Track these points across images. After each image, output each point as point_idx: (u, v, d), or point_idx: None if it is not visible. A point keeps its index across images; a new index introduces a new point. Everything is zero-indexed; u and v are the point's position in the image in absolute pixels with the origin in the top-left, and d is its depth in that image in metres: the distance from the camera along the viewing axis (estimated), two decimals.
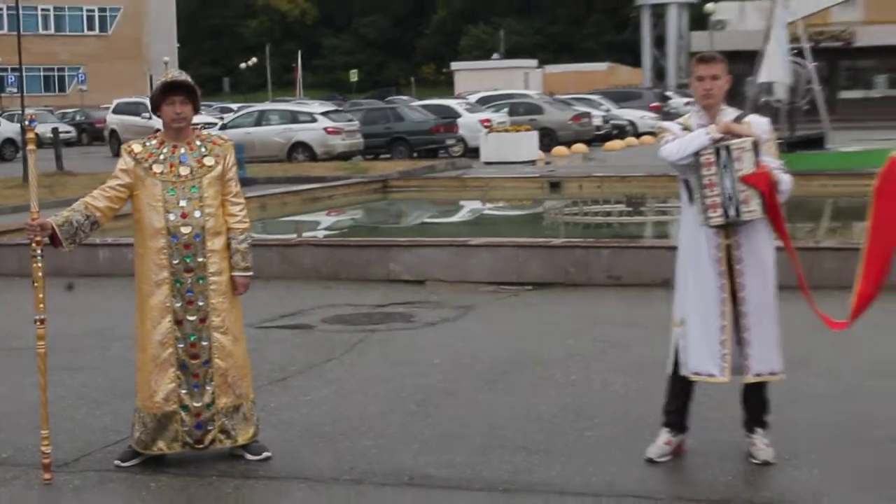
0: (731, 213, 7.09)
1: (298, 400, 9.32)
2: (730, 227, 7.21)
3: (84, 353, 11.06)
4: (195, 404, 7.55)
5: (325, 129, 39.17)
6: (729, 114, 7.37)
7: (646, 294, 12.50)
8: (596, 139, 45.63)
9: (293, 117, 40.84)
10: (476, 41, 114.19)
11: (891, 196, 6.76)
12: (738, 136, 7.13)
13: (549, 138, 41.68)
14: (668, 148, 7.23)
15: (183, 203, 7.50)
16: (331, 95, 79.71)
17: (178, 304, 7.51)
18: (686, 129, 7.34)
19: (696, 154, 7.12)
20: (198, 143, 7.69)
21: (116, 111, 52.78)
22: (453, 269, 14.58)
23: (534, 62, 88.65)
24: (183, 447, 7.60)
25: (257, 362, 8.67)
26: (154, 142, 7.69)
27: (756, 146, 7.11)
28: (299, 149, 39.02)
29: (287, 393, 9.53)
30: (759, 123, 7.39)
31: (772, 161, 7.27)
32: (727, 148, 7.09)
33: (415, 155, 40.08)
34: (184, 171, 7.55)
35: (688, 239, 7.43)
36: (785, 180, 7.22)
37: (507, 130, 39.38)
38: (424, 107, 45.27)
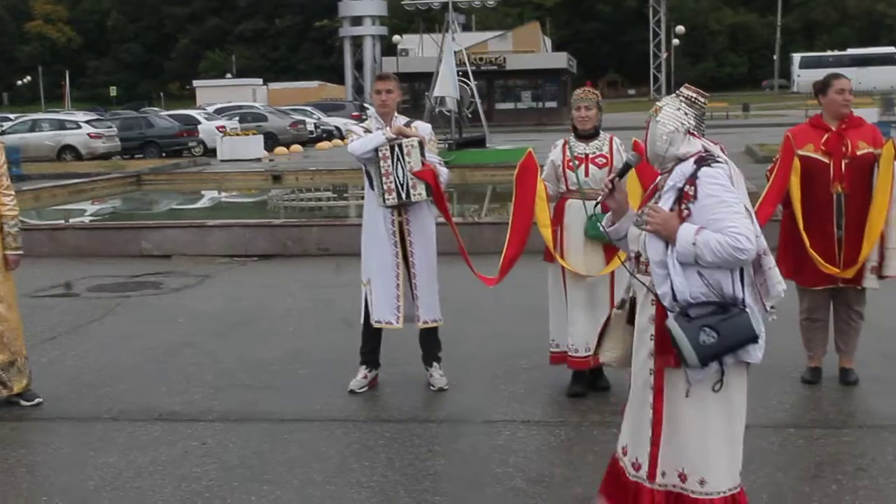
0: (403, 195, 7.19)
1: (66, 354, 8.96)
2: (402, 207, 7.33)
3: None
4: None
5: (89, 134, 37.74)
6: (400, 119, 7.46)
7: (349, 261, 12.45)
8: (309, 141, 45.39)
9: (61, 125, 39.11)
10: (213, 64, 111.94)
11: (525, 180, 6.96)
12: (408, 136, 7.24)
13: (272, 140, 41.25)
14: (354, 145, 7.30)
15: None
16: (93, 107, 76.55)
17: None
18: (367, 131, 7.41)
19: (376, 150, 7.18)
20: None
21: None
22: (194, 245, 14.31)
23: (260, 80, 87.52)
24: None
25: (31, 325, 8.28)
26: None
27: (422, 145, 7.26)
28: (67, 150, 37.46)
29: (57, 349, 9.14)
30: (423, 127, 7.54)
31: (433, 157, 7.42)
32: (400, 146, 7.20)
33: (163, 154, 39.02)
34: None
35: (369, 217, 7.50)
36: (444, 172, 7.45)
37: (238, 134, 38.78)
38: (171, 116, 43.98)
